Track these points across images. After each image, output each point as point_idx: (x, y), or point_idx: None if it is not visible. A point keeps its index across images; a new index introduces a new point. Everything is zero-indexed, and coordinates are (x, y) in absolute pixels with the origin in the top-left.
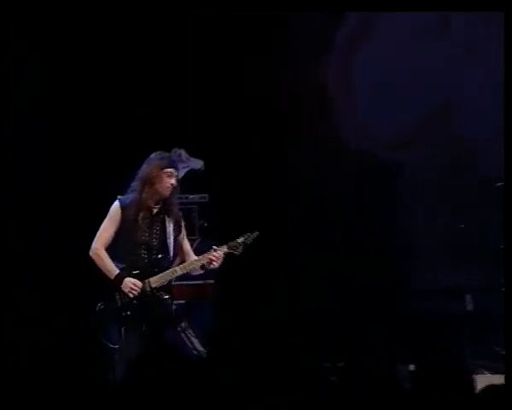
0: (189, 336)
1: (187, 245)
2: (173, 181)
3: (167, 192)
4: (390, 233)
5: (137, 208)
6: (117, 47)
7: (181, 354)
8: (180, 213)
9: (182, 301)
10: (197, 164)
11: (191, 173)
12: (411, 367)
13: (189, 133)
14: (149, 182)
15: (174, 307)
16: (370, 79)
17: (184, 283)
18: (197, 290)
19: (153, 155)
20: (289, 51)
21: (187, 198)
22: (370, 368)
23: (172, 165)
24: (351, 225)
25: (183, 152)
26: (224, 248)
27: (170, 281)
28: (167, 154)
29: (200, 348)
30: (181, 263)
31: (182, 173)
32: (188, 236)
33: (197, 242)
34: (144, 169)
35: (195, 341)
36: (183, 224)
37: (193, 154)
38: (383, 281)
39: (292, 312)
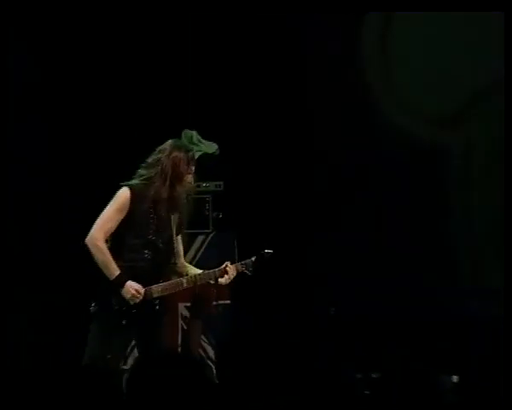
0: (202, 342)
1: (181, 246)
2: (192, 180)
3: (183, 191)
4: (432, 228)
5: (151, 203)
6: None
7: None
8: (183, 209)
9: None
10: (211, 147)
11: (204, 158)
12: (455, 379)
13: (201, 113)
14: (174, 178)
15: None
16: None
17: None
18: (209, 291)
19: (176, 144)
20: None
21: (199, 186)
22: (408, 380)
23: (195, 161)
24: (383, 215)
25: (194, 134)
26: (238, 266)
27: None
28: (190, 145)
29: (214, 357)
30: (174, 268)
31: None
32: (200, 229)
33: (211, 236)
34: (168, 162)
35: (209, 348)
36: (184, 221)
37: (206, 136)
38: (421, 281)
39: (317, 317)
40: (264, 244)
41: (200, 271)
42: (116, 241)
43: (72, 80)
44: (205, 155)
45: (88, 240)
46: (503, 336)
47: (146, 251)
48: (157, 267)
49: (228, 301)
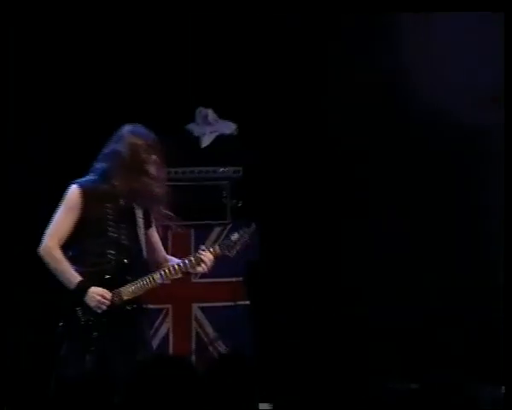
0: (220, 349)
1: (157, 240)
2: (154, 171)
3: (146, 185)
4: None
5: (109, 199)
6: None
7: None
8: (155, 201)
9: (205, 305)
10: (228, 128)
11: (221, 140)
12: (503, 389)
13: (217, 89)
14: (132, 169)
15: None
16: None
17: (207, 280)
18: (226, 289)
19: (132, 130)
20: None
21: (215, 172)
22: (450, 391)
23: (158, 150)
24: (418, 210)
25: (210, 112)
26: (216, 249)
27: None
28: (152, 133)
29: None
30: (154, 265)
31: (209, 139)
32: (216, 220)
33: (228, 228)
34: (125, 151)
35: None
36: (151, 213)
37: (223, 115)
38: (465, 283)
39: (350, 318)
40: (288, 236)
41: (175, 259)
42: (76, 248)
43: (71, 78)
44: (222, 137)
45: (41, 250)
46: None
47: (109, 251)
48: (125, 267)
49: (246, 302)
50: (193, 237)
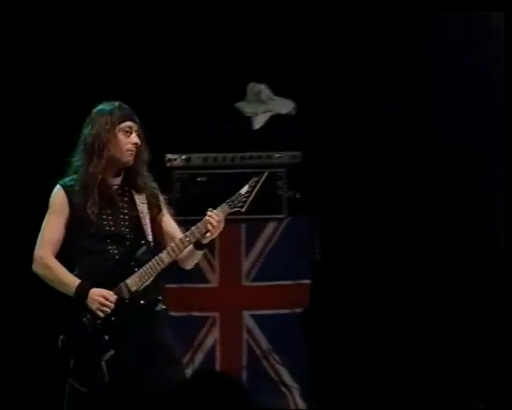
0: (274, 363)
1: (173, 227)
2: (134, 138)
3: (128, 156)
4: None
5: (88, 189)
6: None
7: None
8: (154, 184)
9: (258, 312)
10: (285, 106)
11: (276, 120)
12: None
13: (272, 61)
14: (98, 147)
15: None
16: None
17: (260, 284)
18: (283, 295)
19: (96, 109)
20: None
21: (270, 157)
22: None
23: (128, 115)
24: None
25: (263, 88)
26: (225, 208)
27: (157, 277)
28: (116, 102)
29: (291, 382)
30: None
31: (262, 120)
32: (271, 213)
33: (285, 222)
34: (88, 131)
35: (283, 371)
36: (161, 197)
37: (279, 92)
38: None
39: (422, 330)
40: (352, 232)
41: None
42: (72, 252)
43: (73, 77)
44: (277, 117)
45: (34, 265)
46: None
47: (108, 247)
48: (129, 260)
49: (306, 308)
50: (243, 234)
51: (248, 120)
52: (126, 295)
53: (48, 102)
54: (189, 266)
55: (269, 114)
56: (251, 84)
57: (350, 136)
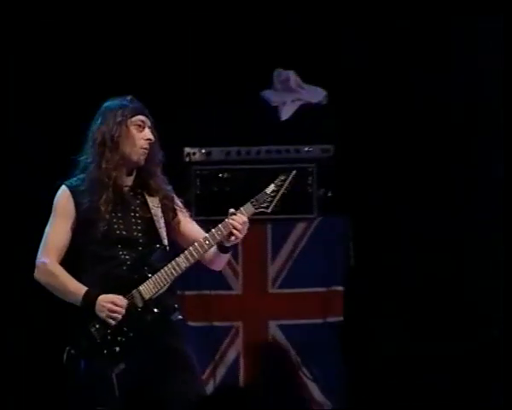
0: (304, 378)
1: (194, 229)
2: (148, 134)
3: (141, 154)
4: None
5: (99, 186)
6: None
7: None
8: (169, 187)
9: (285, 322)
10: (316, 95)
11: (305, 110)
12: None
13: (301, 45)
14: (111, 142)
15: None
16: None
17: (288, 291)
18: (313, 303)
19: (106, 103)
20: None
21: (298, 152)
22: None
23: (141, 109)
24: None
25: (292, 75)
26: (249, 208)
27: (173, 284)
28: (128, 96)
29: (322, 400)
30: None
31: (290, 110)
32: (300, 213)
33: (316, 222)
34: (98, 126)
35: (314, 387)
36: (177, 200)
37: (309, 79)
38: None
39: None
40: (389, 234)
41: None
42: (80, 259)
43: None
44: (307, 107)
45: (36, 272)
46: None
47: (120, 252)
48: (141, 265)
49: (339, 318)
50: (270, 236)
51: (275, 111)
52: (139, 304)
53: (48, 101)
54: (216, 267)
55: (298, 104)
56: (278, 71)
57: (387, 127)
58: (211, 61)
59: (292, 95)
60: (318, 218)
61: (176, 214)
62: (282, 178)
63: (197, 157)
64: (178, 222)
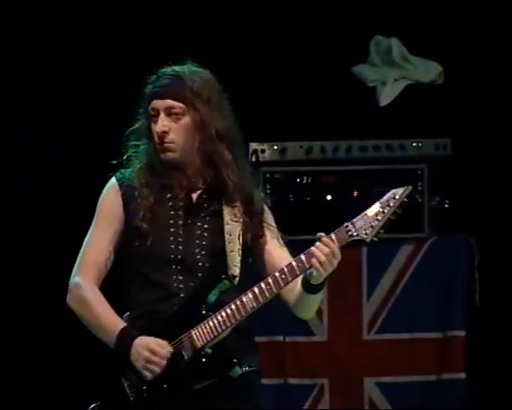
0: None
1: (281, 256)
2: (159, 124)
3: (160, 152)
4: None
5: (164, 192)
6: None
7: None
8: (260, 195)
9: (387, 379)
10: (428, 71)
11: (414, 92)
12: None
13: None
14: (146, 128)
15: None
16: None
17: (390, 337)
18: (424, 354)
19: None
20: None
21: (404, 148)
22: None
23: (157, 92)
24: None
25: (395, 44)
26: (342, 234)
27: (240, 329)
28: (163, 69)
29: None
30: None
31: (393, 92)
32: (406, 232)
33: (428, 244)
34: (142, 113)
35: None
36: (267, 213)
37: (418, 50)
38: None
39: None
40: None
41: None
42: (124, 282)
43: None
44: (415, 87)
45: (68, 298)
46: None
47: (174, 276)
48: (200, 300)
49: (460, 375)
50: (365, 263)
51: (372, 92)
52: (188, 353)
53: (52, 101)
54: (303, 313)
55: (403, 83)
56: (376, 38)
57: None
58: (285, 24)
59: (395, 71)
60: (431, 237)
61: (261, 234)
62: (392, 196)
63: (267, 155)
64: (263, 245)
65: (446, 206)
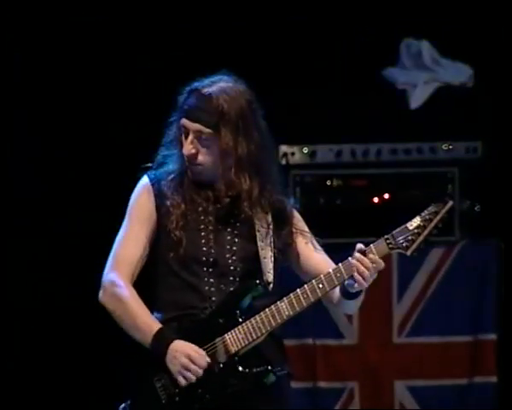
0: None
1: (319, 259)
2: (186, 146)
3: (188, 167)
4: None
5: (201, 196)
6: None
7: None
8: (291, 202)
9: (418, 383)
10: (458, 74)
11: (445, 95)
12: None
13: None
14: (177, 138)
15: None
16: None
17: (420, 341)
18: (455, 357)
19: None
20: None
21: (434, 151)
22: None
23: (189, 111)
24: None
25: (425, 47)
26: (382, 246)
27: (274, 336)
28: (197, 85)
29: None
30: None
31: (424, 94)
32: (437, 235)
33: (458, 248)
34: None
35: None
36: (297, 220)
37: (450, 52)
38: None
39: None
40: None
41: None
42: (155, 282)
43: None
44: (446, 90)
45: (101, 295)
46: None
47: (206, 279)
48: (234, 305)
49: (492, 378)
50: (395, 266)
51: (402, 95)
52: (222, 358)
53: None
54: (346, 312)
55: (434, 86)
56: (406, 41)
57: None
58: (316, 28)
59: (426, 74)
60: (462, 241)
61: (292, 241)
62: (433, 210)
63: (297, 158)
64: (298, 251)
65: (477, 209)
